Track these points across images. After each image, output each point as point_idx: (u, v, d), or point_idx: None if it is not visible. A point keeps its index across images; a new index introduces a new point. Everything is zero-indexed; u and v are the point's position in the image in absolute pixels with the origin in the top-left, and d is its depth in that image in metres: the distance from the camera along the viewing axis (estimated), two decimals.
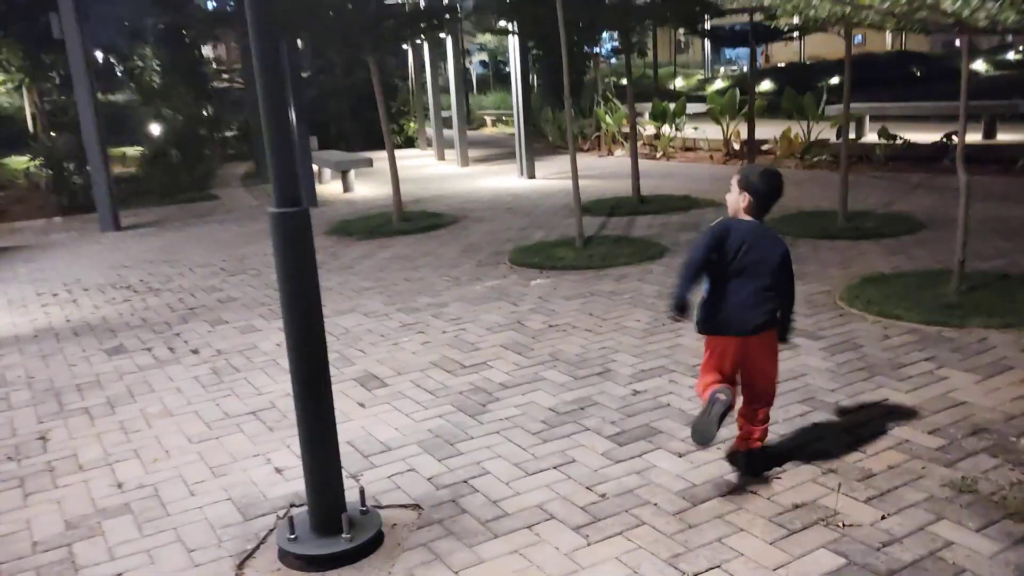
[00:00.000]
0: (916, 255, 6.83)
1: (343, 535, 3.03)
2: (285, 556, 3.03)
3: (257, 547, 3.13)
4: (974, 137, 12.42)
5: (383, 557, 3.01)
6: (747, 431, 3.43)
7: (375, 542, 3.07)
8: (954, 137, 10.39)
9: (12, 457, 4.06)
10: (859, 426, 3.79)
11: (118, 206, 11.02)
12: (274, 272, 3.09)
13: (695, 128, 15.55)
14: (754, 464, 3.42)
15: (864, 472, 3.37)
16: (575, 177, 7.85)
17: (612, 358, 4.89)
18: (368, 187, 13.54)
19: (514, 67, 13.51)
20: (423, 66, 18.88)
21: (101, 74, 17.97)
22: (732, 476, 3.41)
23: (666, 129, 15.38)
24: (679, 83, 29.79)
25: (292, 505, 3.40)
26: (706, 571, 2.80)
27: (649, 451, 3.68)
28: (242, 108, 17.60)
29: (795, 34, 15.47)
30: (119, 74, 19.77)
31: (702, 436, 3.19)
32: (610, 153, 16.14)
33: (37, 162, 13.43)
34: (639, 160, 10.32)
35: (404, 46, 19.51)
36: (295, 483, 3.55)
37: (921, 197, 9.49)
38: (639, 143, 15.12)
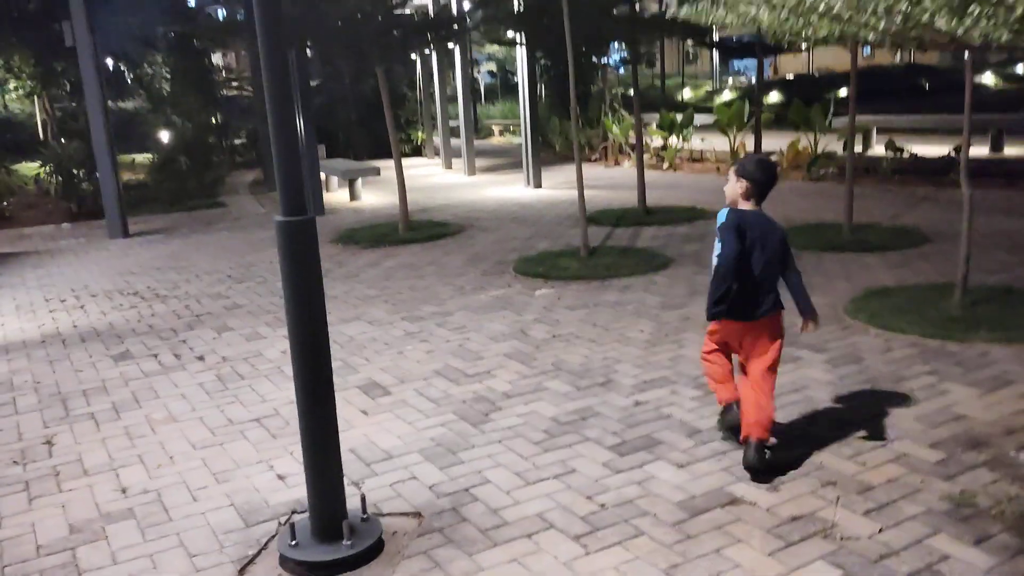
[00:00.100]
0: (920, 268, 6.83)
1: (344, 542, 3.06)
2: (286, 562, 3.05)
3: (258, 553, 3.16)
4: (981, 151, 12.44)
5: (383, 564, 3.04)
6: (747, 415, 3.49)
7: (376, 549, 3.09)
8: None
9: (18, 461, 4.10)
10: (859, 439, 3.80)
11: (126, 213, 11.09)
12: (280, 280, 3.12)
13: (702, 139, 15.60)
14: (758, 458, 3.42)
15: (863, 485, 3.38)
16: (580, 187, 7.89)
17: (615, 368, 4.91)
18: (375, 196, 13.60)
19: (521, 77, 13.58)
20: (431, 75, 18.96)
21: (111, 81, 18.11)
22: (732, 488, 3.42)
23: (673, 140, 15.42)
24: (687, 94, 29.86)
25: (294, 512, 3.42)
26: None
27: (649, 462, 3.70)
28: (250, 116, 17.72)
29: (803, 46, 15.52)
30: (129, 81, 19.91)
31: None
32: (617, 163, 16.19)
33: (47, 168, 13.53)
34: (646, 171, 10.36)
35: (412, 56, 19.60)
36: (297, 490, 3.57)
37: (927, 210, 9.49)
38: (646, 154, 15.18)
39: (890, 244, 7.69)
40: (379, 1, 9.29)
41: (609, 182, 13.59)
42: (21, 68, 18.16)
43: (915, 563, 2.84)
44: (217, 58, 23.39)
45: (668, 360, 5.01)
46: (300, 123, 11.91)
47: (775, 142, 13.86)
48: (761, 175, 3.48)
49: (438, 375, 4.99)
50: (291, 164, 2.91)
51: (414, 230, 9.73)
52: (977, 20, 2.78)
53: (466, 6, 15.03)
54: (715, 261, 3.48)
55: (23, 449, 4.25)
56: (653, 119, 16.26)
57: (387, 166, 11.38)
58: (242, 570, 3.05)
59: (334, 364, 5.12)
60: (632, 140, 15.22)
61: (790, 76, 31.13)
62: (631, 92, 10.75)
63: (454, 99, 17.54)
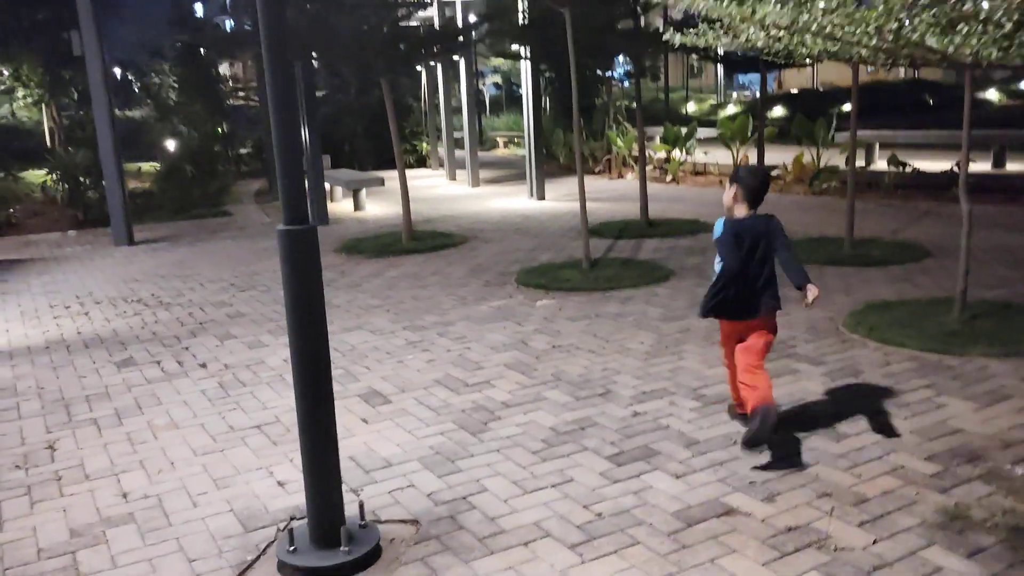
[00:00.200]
0: (921, 283, 6.86)
1: (342, 548, 3.09)
2: (284, 567, 3.08)
3: (257, 558, 3.18)
4: (984, 166, 12.46)
5: (381, 570, 3.06)
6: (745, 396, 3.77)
7: (373, 556, 3.12)
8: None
9: (20, 466, 4.14)
10: (855, 451, 3.82)
11: (132, 221, 11.16)
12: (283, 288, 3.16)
13: (705, 153, 15.65)
14: (765, 424, 3.59)
15: (858, 497, 3.40)
16: (583, 199, 7.93)
17: (614, 379, 4.94)
18: (379, 206, 13.66)
19: (526, 89, 13.66)
20: (436, 87, 19.08)
21: (119, 90, 18.24)
22: (728, 498, 3.44)
23: (676, 153, 15.48)
24: (691, 107, 29.96)
25: (293, 518, 3.45)
26: None
27: (647, 472, 3.72)
28: (256, 125, 17.83)
29: (807, 61, 15.60)
30: (137, 90, 20.05)
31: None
32: (620, 176, 16.24)
33: (54, 176, 13.63)
34: (649, 184, 10.40)
35: (418, 67, 19.72)
36: (297, 496, 3.60)
37: (929, 225, 9.52)
38: (650, 167, 15.25)
39: (891, 258, 7.71)
40: (385, 13, 9.37)
41: (612, 194, 13.64)
42: (29, 76, 18.29)
43: (909, 575, 2.86)
44: (224, 68, 23.53)
45: (668, 371, 5.03)
46: (306, 133, 11.99)
47: (779, 156, 13.90)
48: (751, 179, 3.80)
49: (438, 384, 5.02)
50: (294, 174, 2.95)
51: (417, 240, 9.78)
52: (966, 38, 2.82)
53: (471, 19, 15.14)
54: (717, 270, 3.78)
55: (26, 454, 4.28)
56: (657, 132, 16.34)
57: (392, 177, 11.43)
58: (241, 575, 3.08)
59: (336, 372, 5.17)
60: (636, 153, 15.29)
61: (794, 90, 31.22)
62: (635, 105, 10.80)
63: (459, 111, 17.63)
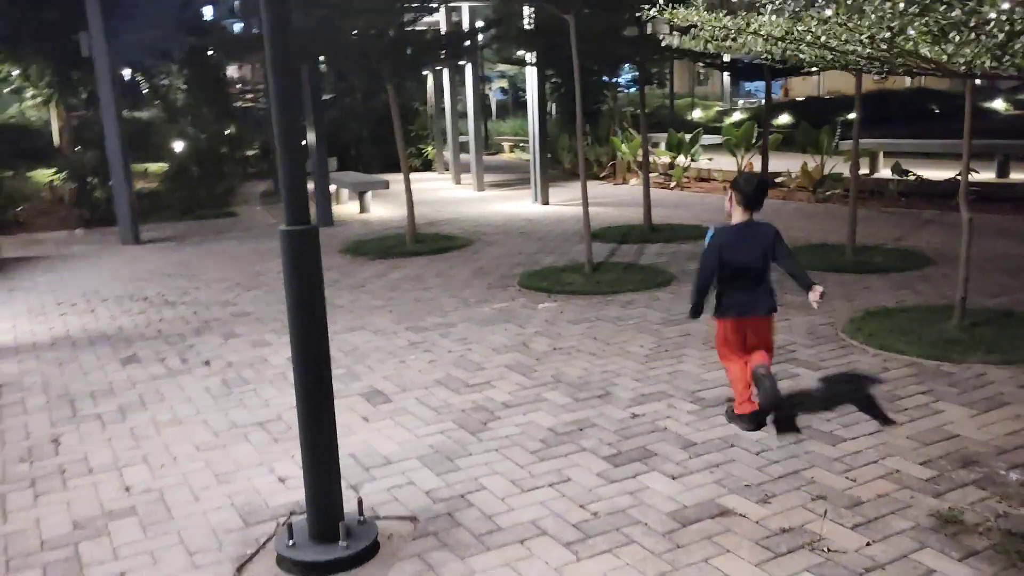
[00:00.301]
0: (921, 290, 6.88)
1: (340, 543, 3.12)
2: (283, 561, 3.12)
3: (256, 552, 3.22)
4: (988, 176, 12.47)
5: (378, 566, 3.10)
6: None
7: (371, 551, 3.16)
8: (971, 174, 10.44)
9: (25, 459, 4.19)
10: (851, 455, 3.85)
11: (139, 220, 11.24)
12: None
13: (710, 159, 15.68)
14: (770, 390, 3.95)
15: (853, 500, 3.43)
16: (585, 204, 7.98)
17: (613, 382, 4.98)
18: (384, 208, 13.72)
19: (531, 95, 13.72)
20: (443, 91, 19.15)
21: (127, 91, 18.36)
22: (723, 499, 3.47)
23: (681, 159, 15.51)
24: (697, 114, 29.99)
25: (292, 513, 3.49)
26: None
27: (643, 472, 3.75)
28: (264, 128, 17.92)
29: (814, 68, 15.62)
30: (145, 92, 20.17)
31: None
32: (625, 182, 16.28)
33: (62, 175, 13.71)
34: (653, 189, 10.45)
35: (424, 72, 19.80)
36: (297, 492, 3.64)
37: (931, 233, 9.54)
38: (654, 173, 15.29)
39: (892, 266, 7.73)
40: (391, 18, 9.43)
41: (616, 200, 13.68)
42: (38, 76, 18.40)
43: None
44: (232, 70, 23.64)
45: (667, 374, 5.07)
46: (312, 136, 12.07)
47: (783, 163, 13.94)
48: (746, 186, 4.04)
49: (439, 384, 5.06)
50: (296, 176, 3.00)
51: (421, 243, 9.84)
52: (959, 47, 2.85)
53: (478, 24, 15.20)
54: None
55: (30, 447, 4.34)
56: (663, 139, 16.37)
57: (397, 179, 11.50)
58: (240, 568, 3.12)
59: (338, 371, 5.22)
60: (640, 159, 15.34)
61: (801, 98, 31.23)
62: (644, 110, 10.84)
63: (465, 115, 17.70)
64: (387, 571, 3.05)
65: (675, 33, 4.45)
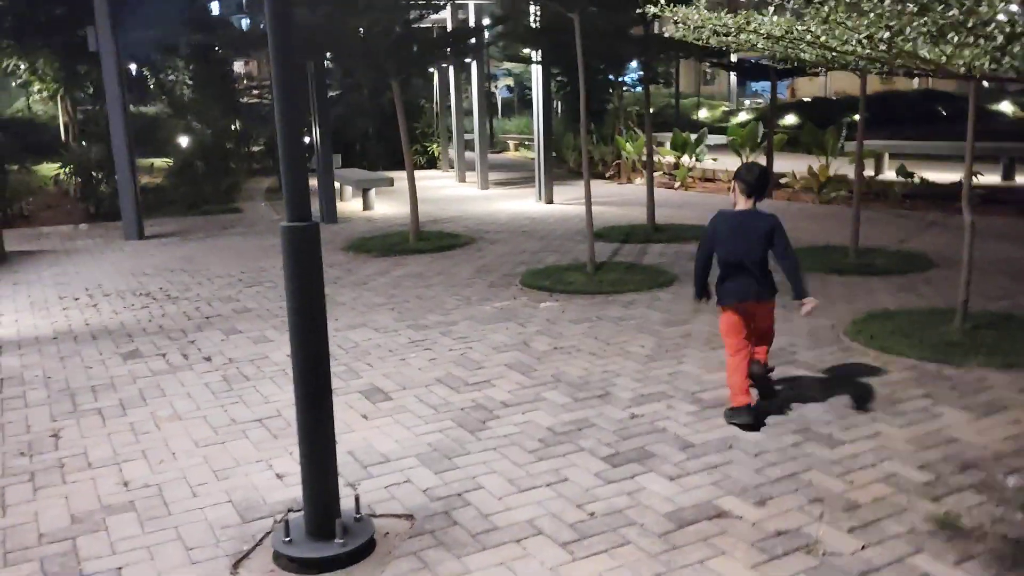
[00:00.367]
0: (924, 293, 6.87)
1: (336, 540, 3.13)
2: (279, 558, 3.13)
3: (253, 548, 3.23)
4: (993, 179, 12.45)
5: (374, 563, 3.11)
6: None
7: (367, 548, 3.16)
8: (975, 177, 10.43)
9: (25, 453, 4.20)
10: (849, 458, 3.85)
11: (143, 215, 11.26)
12: None
13: (714, 159, 15.66)
14: (761, 376, 4.30)
15: (849, 503, 3.43)
16: (588, 203, 7.97)
17: (613, 382, 4.98)
18: (388, 206, 13.74)
19: (536, 93, 13.72)
20: (448, 89, 19.15)
21: (134, 86, 18.40)
22: (720, 501, 3.48)
23: (685, 159, 15.50)
24: (703, 114, 29.94)
25: (290, 510, 3.50)
26: None
27: (641, 473, 3.76)
28: (269, 124, 17.93)
29: (817, 69, 15.60)
30: (151, 87, 20.21)
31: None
32: (629, 181, 16.27)
33: (67, 169, 13.74)
34: (657, 190, 10.45)
35: (430, 69, 19.79)
36: (295, 489, 3.65)
37: (935, 236, 9.52)
38: (659, 173, 15.27)
39: (895, 268, 7.72)
40: (397, 15, 9.43)
41: (620, 199, 13.67)
42: (45, 71, 18.45)
43: None
44: (239, 66, 23.67)
45: (667, 375, 5.07)
46: (317, 133, 12.08)
47: (788, 164, 13.91)
48: (748, 175, 4.24)
49: (439, 383, 5.07)
50: (297, 172, 3.01)
51: (424, 240, 9.84)
52: (958, 48, 2.85)
53: (484, 22, 15.20)
54: None
55: (30, 441, 4.35)
56: (668, 138, 16.36)
57: (401, 177, 11.51)
58: (236, 564, 3.13)
59: (338, 369, 5.23)
60: (645, 158, 15.33)
61: (807, 99, 31.16)
62: (650, 110, 10.82)
63: (470, 113, 17.70)
64: (383, 569, 3.06)
65: (678, 24, 4.46)
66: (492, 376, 5.15)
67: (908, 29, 2.86)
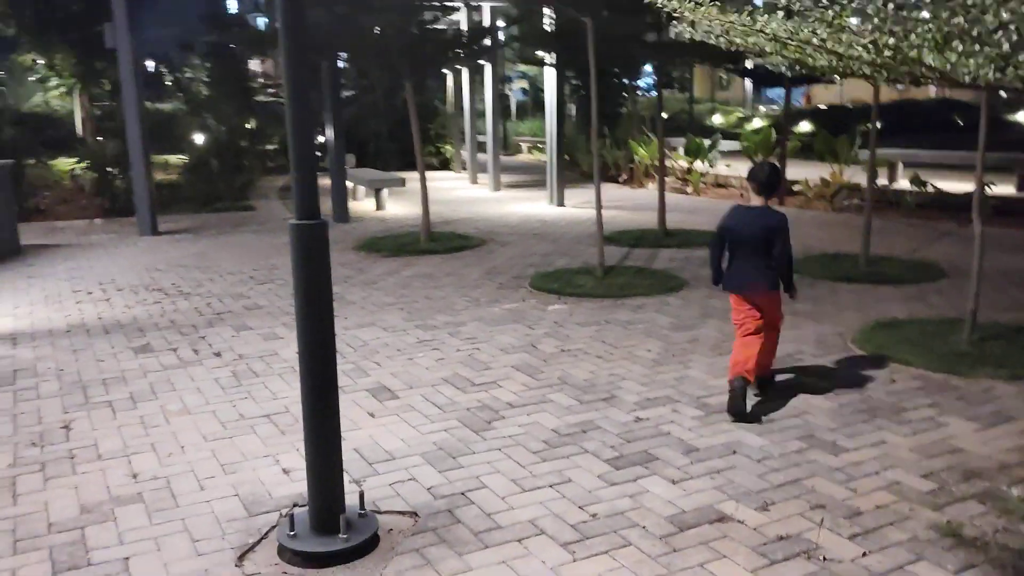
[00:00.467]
0: (934, 303, 6.85)
1: (340, 535, 3.17)
2: (284, 552, 3.17)
3: (259, 541, 3.27)
4: (1007, 189, 12.38)
5: (376, 559, 3.14)
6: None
7: (370, 544, 3.20)
8: (989, 187, 10.38)
9: (36, 443, 4.26)
10: (853, 466, 3.86)
11: (157, 211, 11.35)
12: None
13: (727, 165, 15.64)
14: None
15: (852, 510, 3.44)
16: (599, 207, 7.99)
17: (619, 385, 5.00)
18: (400, 206, 13.79)
19: (549, 96, 13.74)
20: (462, 90, 19.20)
21: (150, 83, 18.54)
22: (722, 505, 3.49)
23: (698, 165, 15.49)
24: (718, 120, 29.88)
25: (295, 505, 3.53)
26: None
27: (644, 476, 3.78)
28: (284, 122, 18.02)
29: (834, 77, 15.57)
30: (168, 84, 20.34)
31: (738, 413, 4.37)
32: (642, 186, 16.27)
33: (83, 164, 13.85)
34: (670, 195, 10.45)
35: (444, 70, 19.85)
36: (301, 484, 3.68)
37: (947, 246, 9.49)
38: (671, 178, 15.27)
39: (906, 277, 7.71)
40: (411, 15, 9.47)
41: (633, 203, 13.68)
42: (63, 66, 18.61)
43: None
44: (255, 64, 23.80)
45: (673, 379, 5.08)
46: (331, 132, 12.14)
47: (802, 172, 13.88)
48: (760, 173, 4.46)
49: (446, 382, 5.10)
50: (307, 171, 3.05)
51: (435, 241, 9.88)
52: (962, 56, 2.85)
53: (499, 24, 15.23)
54: None
55: (42, 432, 4.41)
56: (681, 143, 16.35)
57: (414, 177, 11.55)
58: (242, 556, 3.17)
59: (346, 367, 5.27)
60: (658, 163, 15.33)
61: (823, 106, 31.07)
62: (663, 115, 10.84)
63: (484, 114, 17.74)
64: (385, 565, 3.09)
65: (686, 23, 4.50)
66: (499, 377, 5.18)
67: (913, 36, 2.86)
